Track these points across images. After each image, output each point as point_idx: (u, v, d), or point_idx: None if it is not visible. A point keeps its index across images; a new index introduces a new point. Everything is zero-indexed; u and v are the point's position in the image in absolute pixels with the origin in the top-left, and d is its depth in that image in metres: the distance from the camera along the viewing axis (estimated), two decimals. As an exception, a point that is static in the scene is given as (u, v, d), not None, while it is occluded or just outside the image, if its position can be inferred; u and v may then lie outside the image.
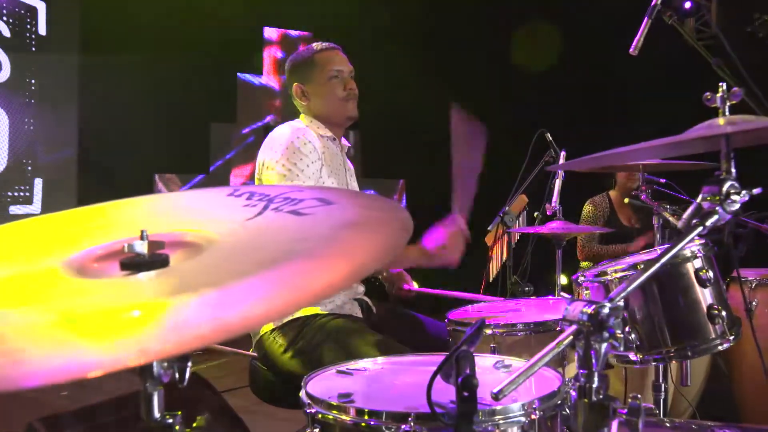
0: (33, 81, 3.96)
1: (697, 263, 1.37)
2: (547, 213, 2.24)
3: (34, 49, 3.96)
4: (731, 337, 1.34)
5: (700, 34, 4.70)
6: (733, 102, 0.92)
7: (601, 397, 0.73)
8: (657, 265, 0.82)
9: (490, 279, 3.12)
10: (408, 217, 0.59)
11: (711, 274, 1.35)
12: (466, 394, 0.85)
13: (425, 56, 5.26)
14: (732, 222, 1.36)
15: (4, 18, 3.77)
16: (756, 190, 0.86)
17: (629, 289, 0.80)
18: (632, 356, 1.38)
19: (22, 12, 3.90)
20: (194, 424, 0.71)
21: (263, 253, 0.56)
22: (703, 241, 1.41)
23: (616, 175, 3.35)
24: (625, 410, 0.73)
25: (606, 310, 0.73)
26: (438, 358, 1.10)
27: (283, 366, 1.68)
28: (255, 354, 1.80)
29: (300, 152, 1.72)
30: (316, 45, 1.90)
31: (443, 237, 1.75)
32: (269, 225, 0.67)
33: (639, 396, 0.73)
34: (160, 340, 0.41)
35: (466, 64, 5.25)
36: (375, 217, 0.60)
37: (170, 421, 0.69)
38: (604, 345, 0.75)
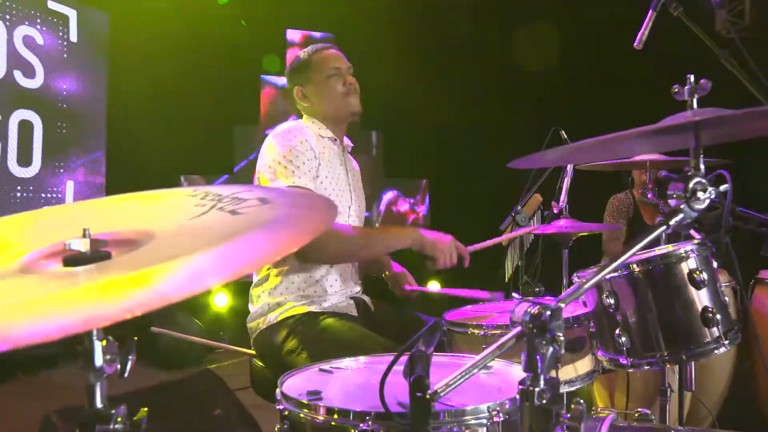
0: (64, 86, 4.12)
1: (692, 264, 1.31)
2: (554, 211, 2.19)
3: (65, 55, 4.12)
4: (727, 342, 1.28)
5: (734, 26, 4.51)
6: (701, 95, 0.88)
7: (544, 401, 0.71)
8: (614, 265, 0.79)
9: (506, 279, 3.07)
10: (328, 220, 0.59)
11: (706, 275, 1.29)
12: (419, 394, 0.85)
13: (444, 56, 5.23)
14: (730, 220, 1.30)
15: (38, 26, 3.94)
16: (723, 187, 0.82)
17: (582, 290, 0.78)
18: (622, 360, 1.34)
19: (55, 20, 4.07)
20: (134, 417, 0.73)
21: (173, 252, 0.57)
22: (699, 240, 1.35)
23: (632, 173, 3.24)
24: (568, 415, 0.71)
25: (548, 312, 0.71)
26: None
27: (277, 364, 1.70)
28: (254, 352, 1.82)
29: (296, 150, 1.73)
30: (312, 47, 1.92)
31: (445, 240, 1.75)
32: (202, 224, 0.68)
33: (582, 401, 0.71)
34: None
35: (480, 62, 5.20)
36: (294, 216, 0.60)
37: (112, 412, 0.72)
38: (550, 348, 0.72)
